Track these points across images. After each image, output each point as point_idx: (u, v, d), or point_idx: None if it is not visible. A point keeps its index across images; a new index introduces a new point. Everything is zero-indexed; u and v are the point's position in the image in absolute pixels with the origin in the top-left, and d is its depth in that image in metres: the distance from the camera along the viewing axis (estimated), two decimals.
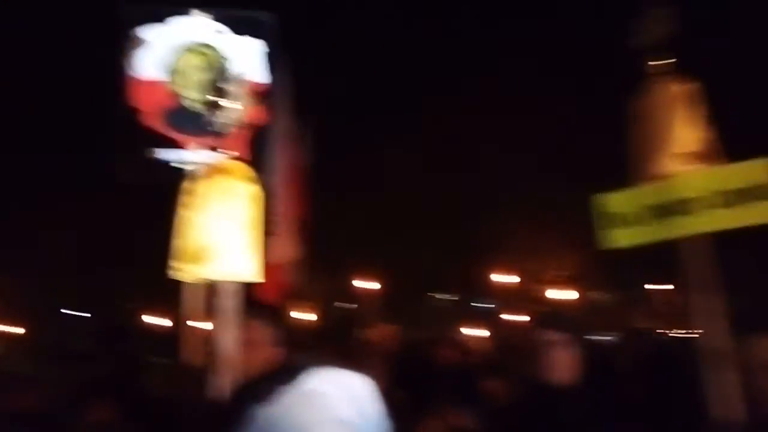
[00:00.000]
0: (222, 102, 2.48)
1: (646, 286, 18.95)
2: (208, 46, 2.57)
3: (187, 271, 2.00)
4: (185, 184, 2.05)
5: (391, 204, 17.86)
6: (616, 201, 3.38)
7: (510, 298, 20.52)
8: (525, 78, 15.34)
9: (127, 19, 2.53)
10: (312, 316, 15.98)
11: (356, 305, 23.44)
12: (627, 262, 16.51)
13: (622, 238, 3.28)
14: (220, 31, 2.57)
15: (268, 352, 2.24)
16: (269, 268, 4.33)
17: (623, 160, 3.36)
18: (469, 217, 17.51)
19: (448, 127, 16.35)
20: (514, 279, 20.22)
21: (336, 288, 20.33)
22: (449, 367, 5.38)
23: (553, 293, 19.00)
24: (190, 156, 2.44)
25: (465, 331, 17.74)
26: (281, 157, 4.27)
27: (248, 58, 2.57)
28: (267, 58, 2.57)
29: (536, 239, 17.96)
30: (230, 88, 2.53)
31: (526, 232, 17.67)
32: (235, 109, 2.15)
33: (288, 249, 4.31)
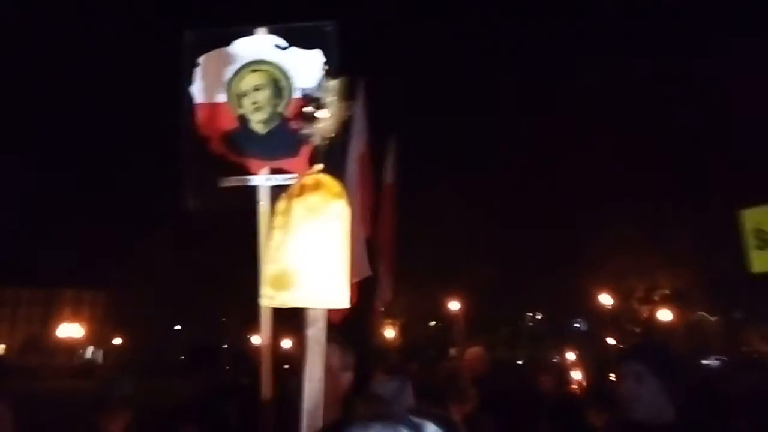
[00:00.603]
0: (285, 120, 2.33)
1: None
2: (268, 62, 2.43)
3: (274, 297, 1.84)
4: (276, 205, 1.91)
5: (483, 222, 17.52)
6: (761, 217, 2.84)
7: (606, 318, 19.47)
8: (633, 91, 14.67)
9: (190, 46, 2.44)
10: (395, 334, 15.85)
11: (444, 324, 23.12)
12: (738, 281, 15.30)
13: (764, 261, 2.72)
14: (280, 46, 2.42)
15: (338, 379, 2.13)
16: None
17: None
18: (567, 236, 16.82)
19: (543, 143, 15.89)
20: (612, 299, 19.15)
21: (426, 307, 20.11)
22: (549, 394, 4.99)
23: (652, 313, 17.85)
24: (257, 180, 2.30)
25: (564, 354, 16.97)
26: (356, 176, 4.11)
27: (312, 71, 2.40)
28: (332, 70, 2.39)
29: (637, 258, 17.00)
30: (292, 104, 2.37)
31: (625, 251, 16.79)
32: (307, 126, 1.99)
33: (361, 269, 4.14)
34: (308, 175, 1.97)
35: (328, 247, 1.88)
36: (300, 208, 1.91)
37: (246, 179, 2.35)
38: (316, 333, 1.95)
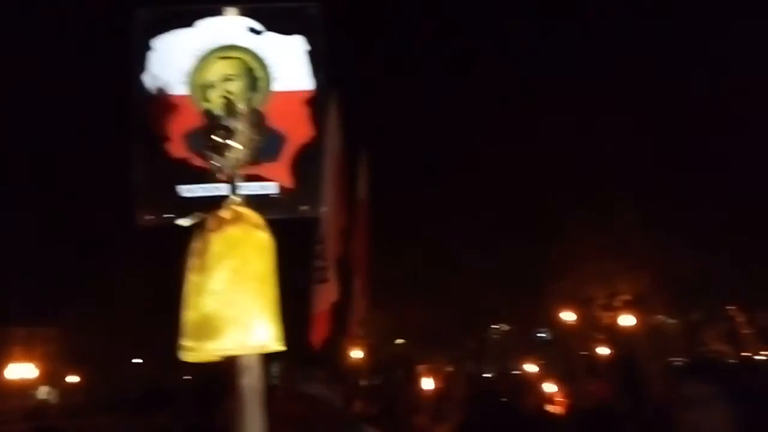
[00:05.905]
0: (260, 119, 1.96)
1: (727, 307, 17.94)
2: (241, 49, 2.06)
3: (198, 349, 1.54)
4: (192, 243, 1.65)
5: (448, 237, 17.46)
6: None
7: (570, 327, 19.65)
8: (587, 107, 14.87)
9: (142, 27, 2.06)
10: (363, 354, 15.49)
11: (407, 341, 22.87)
12: (694, 284, 15.63)
13: None
14: (255, 30, 2.06)
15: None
16: (319, 315, 3.95)
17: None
18: (529, 245, 16.88)
19: (507, 157, 15.94)
20: (574, 307, 19.35)
21: (391, 324, 19.81)
22: (534, 416, 4.75)
23: (615, 319, 18.08)
24: (228, 189, 1.91)
25: (526, 366, 16.94)
26: (331, 193, 3.82)
27: (291, 60, 2.05)
28: (313, 60, 2.05)
29: (598, 265, 17.23)
30: (270, 100, 2.02)
31: (586, 259, 17.00)
32: (277, 126, 1.67)
33: (336, 293, 3.88)
34: (226, 209, 1.68)
35: (253, 285, 1.60)
36: (219, 244, 1.61)
37: (214, 188, 1.99)
38: (251, 382, 1.68)
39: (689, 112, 14.12)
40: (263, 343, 1.61)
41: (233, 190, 1.65)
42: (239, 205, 1.67)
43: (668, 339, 18.99)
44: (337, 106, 4.07)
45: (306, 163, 1.98)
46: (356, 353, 15.69)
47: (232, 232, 1.61)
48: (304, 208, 2.03)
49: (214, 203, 1.87)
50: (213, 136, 1.70)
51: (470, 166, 16.78)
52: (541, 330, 24.47)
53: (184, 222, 1.75)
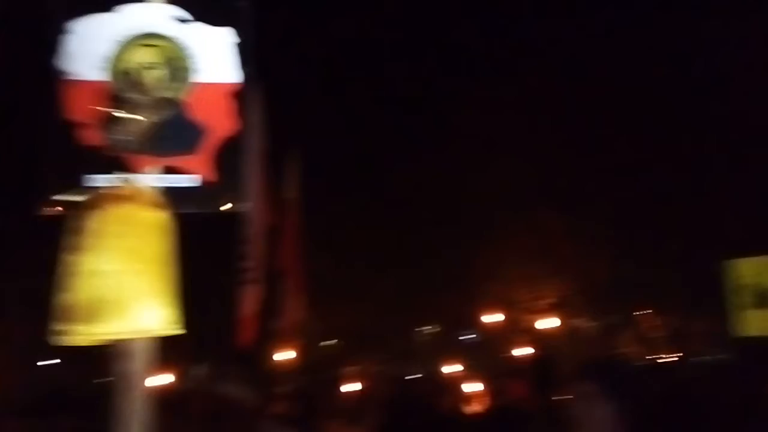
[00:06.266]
0: (182, 108, 1.91)
1: (635, 312, 18.87)
2: (165, 37, 2.00)
3: (79, 332, 1.47)
4: (72, 223, 1.56)
5: (379, 238, 17.51)
6: (758, 270, 2.49)
7: (496, 329, 20.19)
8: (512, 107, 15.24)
9: (58, 9, 1.96)
10: (293, 355, 15.30)
11: (338, 341, 22.78)
12: (612, 289, 16.40)
13: (760, 322, 2.40)
14: (181, 19, 2.01)
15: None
16: (247, 316, 3.88)
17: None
18: (458, 248, 17.21)
19: (438, 158, 16.15)
20: (501, 309, 19.90)
21: (320, 324, 19.67)
22: (454, 416, 4.87)
23: (538, 322, 18.74)
24: (142, 180, 1.84)
25: (448, 367, 17.27)
26: (255, 189, 3.75)
27: (217, 52, 2.01)
28: (241, 53, 2.02)
29: (521, 267, 17.80)
30: (192, 91, 1.97)
31: (511, 262, 17.51)
32: (198, 118, 1.63)
33: (260, 296, 3.82)
34: (119, 186, 1.63)
35: (146, 266, 1.55)
36: (110, 222, 1.55)
37: (127, 178, 1.91)
38: (132, 368, 1.60)
39: (616, 117, 14.63)
40: (153, 327, 1.53)
41: (139, 175, 1.58)
42: (135, 184, 1.60)
43: (587, 341, 19.81)
44: (265, 101, 4.00)
45: (228, 157, 1.94)
46: (286, 354, 15.49)
47: (126, 210, 1.53)
48: (226, 203, 1.99)
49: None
50: (112, 111, 1.64)
51: (402, 166, 16.92)
52: (469, 331, 24.96)
53: (73, 198, 1.67)
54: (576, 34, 14.43)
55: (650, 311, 18.27)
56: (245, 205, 2.16)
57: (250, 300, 3.75)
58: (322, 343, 23.93)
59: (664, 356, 17.19)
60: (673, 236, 14.11)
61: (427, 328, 25.88)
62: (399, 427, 4.12)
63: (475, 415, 5.65)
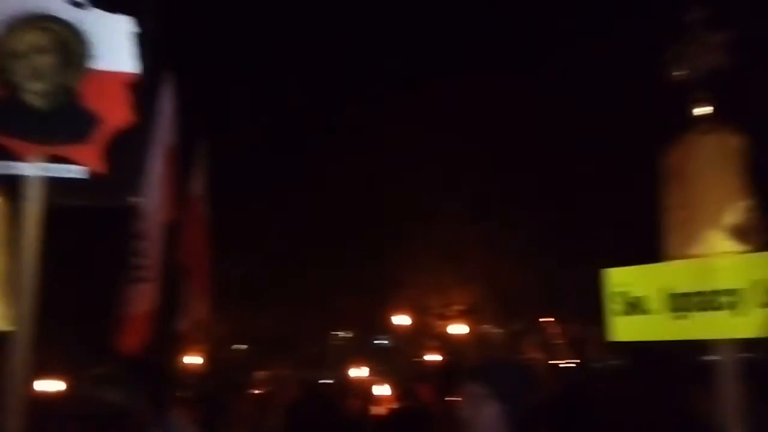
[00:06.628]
0: (74, 96, 1.83)
1: (541, 319, 19.66)
2: (58, 20, 1.91)
3: None
4: None
5: (292, 241, 17.32)
6: (628, 279, 2.60)
7: (408, 334, 20.52)
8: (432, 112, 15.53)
9: None
10: (199, 359, 14.83)
11: (249, 346, 22.29)
12: (517, 297, 17.09)
13: (629, 329, 2.57)
14: (77, 3, 1.92)
15: None
16: (136, 317, 3.67)
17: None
18: (372, 254, 17.31)
19: (350, 161, 16.19)
20: (412, 315, 20.26)
21: (232, 328, 19.18)
22: (360, 417, 4.92)
23: (448, 328, 19.20)
24: (26, 168, 1.74)
25: (352, 372, 17.37)
26: (158, 183, 3.59)
27: (114, 40, 1.94)
28: (141, 42, 1.95)
29: (433, 274, 18.15)
30: (85, 78, 1.89)
31: (423, 268, 17.82)
32: (91, 106, 1.56)
33: (159, 294, 3.64)
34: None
35: None
36: None
37: (8, 166, 1.80)
38: (12, 370, 1.52)
39: (527, 131, 15.06)
40: None
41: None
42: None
43: (493, 347, 20.50)
44: (176, 94, 3.87)
45: (123, 149, 1.87)
46: (192, 358, 14.96)
47: None
48: (119, 197, 1.91)
49: (11, 184, 1.70)
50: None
51: (318, 170, 16.85)
52: (382, 336, 25.19)
53: None
54: (486, 52, 14.95)
55: (552, 319, 19.12)
56: (140, 199, 2.09)
57: (141, 300, 3.53)
58: (234, 347, 23.35)
59: (563, 362, 18.09)
60: (574, 245, 14.74)
61: (341, 333, 25.87)
62: (304, 430, 4.09)
63: (381, 418, 5.71)
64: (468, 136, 15.38)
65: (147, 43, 1.95)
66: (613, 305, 2.56)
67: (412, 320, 19.63)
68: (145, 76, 1.95)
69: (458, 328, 18.74)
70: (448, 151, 15.50)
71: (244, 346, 23.23)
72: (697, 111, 2.33)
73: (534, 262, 15.72)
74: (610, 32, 12.67)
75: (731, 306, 2.28)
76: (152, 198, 3.39)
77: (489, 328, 21.44)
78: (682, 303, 2.38)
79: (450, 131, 15.50)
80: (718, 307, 2.31)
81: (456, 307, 19.45)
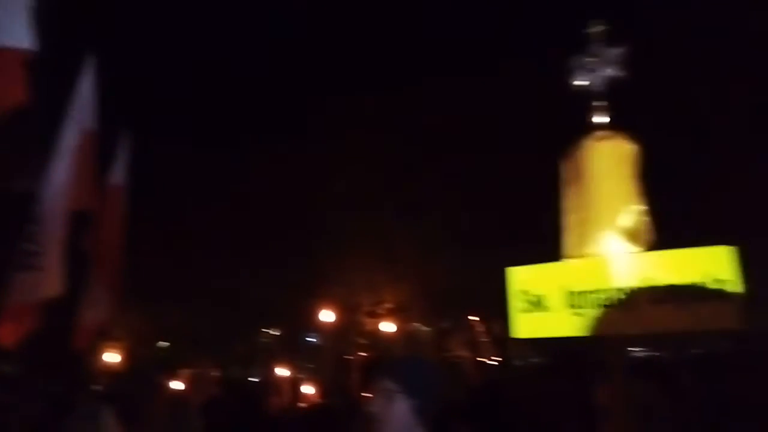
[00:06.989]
0: None
1: (470, 317, 20.06)
2: None
3: None
4: None
5: (220, 236, 16.96)
6: (529, 277, 2.71)
7: (337, 331, 20.50)
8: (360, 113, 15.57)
9: None
10: (118, 358, 14.29)
11: (172, 343, 21.66)
12: (446, 294, 17.40)
13: (531, 325, 2.67)
14: None
15: None
16: (19, 308, 3.42)
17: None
18: (302, 251, 17.19)
19: (279, 157, 16.02)
20: (340, 312, 20.26)
21: (153, 325, 18.55)
22: (281, 414, 4.91)
23: (377, 325, 19.32)
24: None
25: (281, 370, 17.20)
26: (68, 169, 3.40)
27: (8, 14, 1.84)
28: (38, 19, 1.86)
29: (363, 272, 18.23)
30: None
31: (352, 265, 17.87)
32: None
33: (57, 285, 3.41)
34: None
35: None
36: None
37: None
38: None
39: (461, 131, 15.33)
40: None
41: None
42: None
43: (422, 345, 20.77)
44: (94, 77, 3.68)
45: (14, 130, 1.76)
46: (109, 356, 14.35)
47: None
48: (9, 180, 1.81)
49: None
50: None
51: (250, 166, 16.59)
52: (311, 334, 25.05)
53: None
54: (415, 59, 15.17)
55: (477, 318, 19.57)
56: (34, 183, 1.99)
57: (28, 289, 3.24)
58: (159, 345, 22.58)
59: (488, 359, 18.57)
60: (495, 244, 15.12)
61: (270, 331, 25.52)
62: (222, 428, 4.02)
63: (303, 414, 5.70)
64: (396, 134, 15.54)
65: (45, 20, 1.85)
66: (515, 302, 2.66)
67: (342, 317, 19.63)
68: (41, 53, 1.85)
69: (387, 326, 18.89)
70: (378, 150, 15.61)
71: (167, 344, 22.54)
72: (595, 119, 2.46)
73: (459, 261, 16.03)
74: (515, 43, 13.20)
75: (622, 303, 2.43)
76: (56, 182, 3.18)
77: (417, 326, 21.69)
78: (580, 300, 2.51)
79: (380, 130, 15.62)
80: (611, 305, 2.45)
81: (385, 305, 19.59)
